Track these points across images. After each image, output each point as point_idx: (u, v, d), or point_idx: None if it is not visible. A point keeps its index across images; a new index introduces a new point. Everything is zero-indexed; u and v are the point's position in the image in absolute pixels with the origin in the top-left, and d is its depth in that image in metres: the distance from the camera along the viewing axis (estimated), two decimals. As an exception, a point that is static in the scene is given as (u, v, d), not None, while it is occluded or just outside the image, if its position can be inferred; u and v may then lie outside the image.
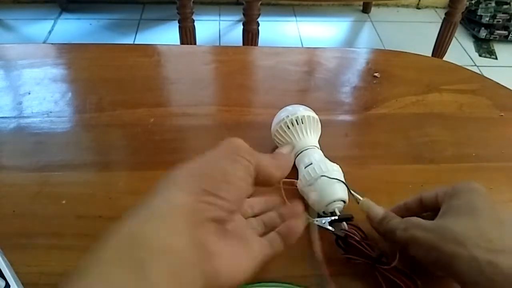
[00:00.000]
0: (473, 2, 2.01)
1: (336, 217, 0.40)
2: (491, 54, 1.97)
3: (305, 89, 0.64)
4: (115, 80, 0.62)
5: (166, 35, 1.95)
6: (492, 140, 0.56)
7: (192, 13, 1.37)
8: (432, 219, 0.35)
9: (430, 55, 1.59)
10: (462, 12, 1.51)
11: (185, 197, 0.25)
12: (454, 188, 0.35)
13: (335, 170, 0.44)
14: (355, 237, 0.39)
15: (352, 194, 0.42)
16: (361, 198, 0.41)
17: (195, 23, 1.41)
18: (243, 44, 1.41)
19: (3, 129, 0.54)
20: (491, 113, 0.60)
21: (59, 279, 0.38)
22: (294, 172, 0.47)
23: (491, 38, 2.01)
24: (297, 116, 0.47)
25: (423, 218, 0.35)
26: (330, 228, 0.39)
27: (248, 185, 0.28)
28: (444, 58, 1.56)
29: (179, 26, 1.40)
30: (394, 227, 0.36)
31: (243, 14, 1.36)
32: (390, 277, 0.36)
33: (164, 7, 2.11)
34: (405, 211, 0.40)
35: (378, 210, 0.39)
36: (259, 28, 1.38)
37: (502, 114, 0.60)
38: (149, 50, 0.70)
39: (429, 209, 0.38)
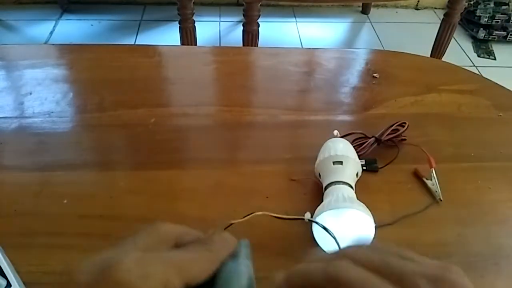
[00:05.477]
0: (471, 2, 2.02)
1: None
2: (490, 54, 1.97)
3: (305, 89, 0.64)
4: (116, 81, 0.63)
5: (167, 36, 1.95)
6: (491, 140, 0.56)
7: (192, 14, 1.37)
8: None
9: (429, 55, 1.59)
10: (461, 13, 1.51)
11: None
12: None
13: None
14: None
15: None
16: None
17: (196, 24, 1.41)
18: (243, 44, 1.41)
19: (4, 129, 0.54)
20: (490, 113, 0.60)
21: (60, 278, 0.39)
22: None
23: (489, 38, 2.01)
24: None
25: None
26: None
27: None
28: (443, 59, 1.56)
29: (180, 27, 1.40)
30: None
31: (243, 15, 1.36)
32: None
33: (165, 8, 2.12)
34: None
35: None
36: (259, 29, 1.39)
37: (500, 114, 0.60)
38: (150, 50, 0.70)
39: None
